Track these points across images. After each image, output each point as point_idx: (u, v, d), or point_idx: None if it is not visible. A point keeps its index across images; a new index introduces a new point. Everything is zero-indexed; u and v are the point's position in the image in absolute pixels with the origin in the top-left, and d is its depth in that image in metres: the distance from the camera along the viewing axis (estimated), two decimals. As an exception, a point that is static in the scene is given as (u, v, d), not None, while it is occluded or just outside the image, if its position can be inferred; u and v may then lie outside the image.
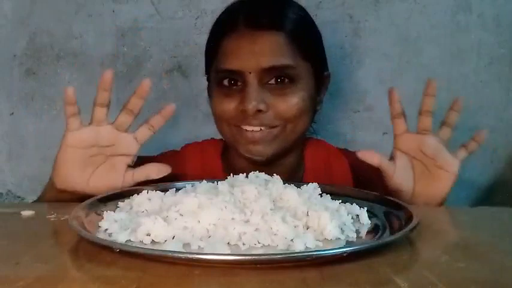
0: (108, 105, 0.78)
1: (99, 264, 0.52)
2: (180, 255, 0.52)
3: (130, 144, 0.78)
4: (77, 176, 0.76)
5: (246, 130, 0.85)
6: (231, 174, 0.74)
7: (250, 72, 0.82)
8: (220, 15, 0.91)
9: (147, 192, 0.69)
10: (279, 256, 0.53)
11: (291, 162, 0.93)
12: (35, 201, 0.89)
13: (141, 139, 0.79)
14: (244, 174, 0.74)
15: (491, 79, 1.18)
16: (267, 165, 0.88)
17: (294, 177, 0.93)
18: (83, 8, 1.16)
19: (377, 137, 1.19)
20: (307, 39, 0.87)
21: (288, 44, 0.83)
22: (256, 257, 0.53)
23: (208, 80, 0.94)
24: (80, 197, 0.74)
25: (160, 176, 0.79)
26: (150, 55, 1.17)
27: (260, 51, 0.82)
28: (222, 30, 0.87)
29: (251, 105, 0.81)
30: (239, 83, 0.84)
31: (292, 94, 0.84)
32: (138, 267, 0.51)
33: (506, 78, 1.18)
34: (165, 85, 1.18)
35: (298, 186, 0.71)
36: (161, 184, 0.79)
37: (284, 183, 0.70)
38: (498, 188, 1.21)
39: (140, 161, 0.84)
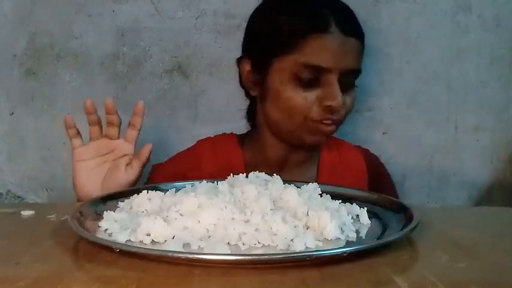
0: (99, 124, 0.90)
1: (99, 264, 0.53)
2: (180, 255, 0.52)
3: (124, 146, 0.91)
4: (90, 185, 0.88)
5: (324, 124, 0.92)
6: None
7: (338, 71, 0.89)
8: (302, 12, 0.92)
9: (147, 192, 0.69)
10: (279, 256, 0.53)
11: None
12: None
13: (130, 139, 0.91)
14: (244, 174, 0.74)
15: (491, 79, 1.18)
16: (296, 151, 0.99)
17: (312, 160, 1.02)
18: (83, 8, 1.16)
19: (377, 137, 1.19)
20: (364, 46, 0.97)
21: (360, 51, 0.94)
22: (256, 257, 0.53)
23: (254, 65, 0.95)
24: None
25: (148, 151, 0.89)
26: (150, 55, 1.17)
27: (348, 54, 0.90)
28: (309, 27, 0.90)
29: (338, 101, 0.89)
30: (320, 79, 0.89)
31: (352, 92, 0.94)
32: (138, 267, 0.51)
33: (506, 78, 1.18)
34: (165, 85, 1.18)
35: (298, 187, 0.71)
36: (161, 184, 0.79)
37: (284, 183, 0.71)
38: (498, 188, 1.21)
39: (154, 168, 1.01)
